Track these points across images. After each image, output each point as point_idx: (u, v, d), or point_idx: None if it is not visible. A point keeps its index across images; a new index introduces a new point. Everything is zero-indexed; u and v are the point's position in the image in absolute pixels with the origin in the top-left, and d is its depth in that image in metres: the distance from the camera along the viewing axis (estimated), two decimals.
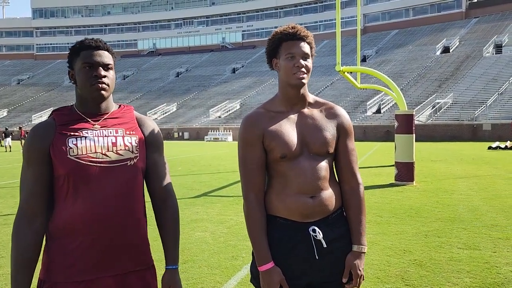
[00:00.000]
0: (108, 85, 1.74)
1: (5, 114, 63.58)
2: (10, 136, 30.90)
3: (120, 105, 1.88)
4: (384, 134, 39.60)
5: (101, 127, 1.75)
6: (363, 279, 1.90)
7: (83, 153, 1.69)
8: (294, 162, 1.83)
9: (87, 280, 1.67)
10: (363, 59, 58.52)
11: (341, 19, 11.16)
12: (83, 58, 1.73)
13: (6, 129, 32.45)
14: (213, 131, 46.70)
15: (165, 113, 57.20)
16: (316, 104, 1.95)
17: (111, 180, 1.70)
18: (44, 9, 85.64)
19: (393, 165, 11.82)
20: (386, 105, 45.17)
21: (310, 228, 1.83)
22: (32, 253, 1.69)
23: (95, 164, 1.69)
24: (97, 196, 1.67)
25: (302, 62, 1.84)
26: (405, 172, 10.84)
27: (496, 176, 11.95)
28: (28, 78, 78.45)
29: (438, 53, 56.47)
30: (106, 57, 1.75)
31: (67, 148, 1.68)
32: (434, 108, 41.92)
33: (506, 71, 45.85)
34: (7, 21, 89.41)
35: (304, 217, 1.84)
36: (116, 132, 1.77)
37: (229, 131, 45.21)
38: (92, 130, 1.74)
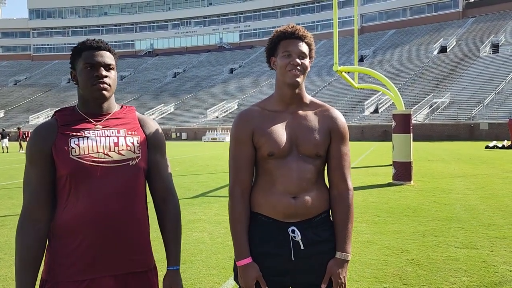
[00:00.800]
0: (109, 85, 1.75)
1: (2, 115, 63.42)
2: (7, 137, 30.82)
3: (122, 106, 1.89)
4: (381, 134, 39.67)
5: (103, 127, 1.77)
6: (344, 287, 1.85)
7: (85, 153, 1.70)
8: (281, 162, 1.84)
9: (88, 279, 1.68)
10: (361, 59, 58.61)
11: (338, 19, 11.17)
12: (84, 59, 1.74)
13: (3, 130, 32.33)
14: (211, 132, 46.70)
15: (163, 113, 57.15)
16: (312, 106, 1.94)
17: (113, 180, 1.71)
18: (41, 9, 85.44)
19: (390, 165, 11.84)
20: (383, 105, 45.25)
21: (290, 229, 1.83)
22: (36, 252, 1.70)
23: (97, 164, 1.70)
24: (98, 196, 1.68)
25: (298, 60, 1.83)
26: (402, 172, 10.86)
27: (493, 175, 11.99)
28: (25, 79, 78.26)
29: (435, 52, 56.60)
30: (107, 57, 1.76)
31: (69, 148, 1.69)
32: (432, 108, 42.03)
33: (503, 70, 46.00)
34: (4, 22, 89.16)
35: (286, 217, 1.84)
36: (118, 132, 1.78)
37: (227, 132, 45.17)
38: (94, 130, 1.75)
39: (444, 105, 42.45)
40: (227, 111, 53.93)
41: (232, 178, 1.89)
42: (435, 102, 42.59)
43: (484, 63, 49.48)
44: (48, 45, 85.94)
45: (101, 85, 1.72)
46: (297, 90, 1.88)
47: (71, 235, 1.69)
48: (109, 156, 1.72)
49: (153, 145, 1.86)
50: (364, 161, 17.56)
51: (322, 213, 1.90)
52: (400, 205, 7.83)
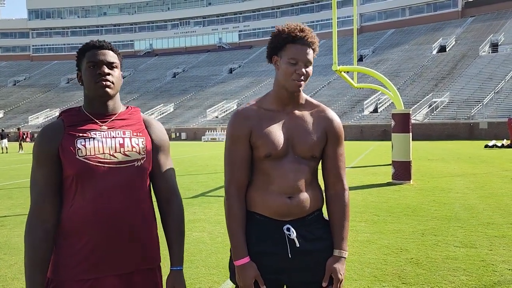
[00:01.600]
0: (112, 82, 1.76)
1: (1, 115, 63.42)
2: (7, 138, 30.81)
3: (127, 107, 1.91)
4: (381, 133, 39.70)
5: (108, 128, 1.78)
6: (343, 283, 1.91)
7: (92, 154, 1.72)
8: (278, 162, 1.85)
9: (92, 278, 1.70)
10: (360, 59, 58.66)
11: (337, 18, 11.18)
12: (87, 58, 1.76)
13: (3, 130, 32.31)
14: (211, 131, 46.69)
15: (162, 113, 57.15)
16: (308, 106, 1.94)
17: (118, 180, 1.73)
18: (40, 10, 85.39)
19: (390, 164, 11.86)
20: (383, 105, 45.28)
21: (285, 227, 1.85)
22: (44, 253, 1.71)
23: (103, 165, 1.72)
24: (104, 196, 1.70)
25: (304, 70, 1.81)
26: (402, 171, 10.88)
27: (493, 175, 12.00)
28: (24, 79, 78.23)
29: (434, 52, 56.63)
30: (110, 55, 1.78)
31: (76, 149, 1.71)
32: (431, 107, 42.06)
33: (502, 70, 46.05)
34: (3, 22, 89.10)
35: (281, 216, 1.86)
36: (124, 134, 1.80)
37: None
38: (100, 131, 1.77)
39: (443, 105, 42.48)
40: (226, 111, 53.93)
41: (228, 177, 1.90)
42: (435, 102, 42.62)
43: (483, 62, 49.52)
44: (47, 45, 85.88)
45: (104, 83, 1.73)
46: (295, 93, 1.89)
47: (77, 235, 1.71)
48: (115, 157, 1.74)
49: (157, 146, 1.88)
50: (364, 161, 17.58)
51: (315, 211, 1.92)
52: (399, 205, 7.84)
